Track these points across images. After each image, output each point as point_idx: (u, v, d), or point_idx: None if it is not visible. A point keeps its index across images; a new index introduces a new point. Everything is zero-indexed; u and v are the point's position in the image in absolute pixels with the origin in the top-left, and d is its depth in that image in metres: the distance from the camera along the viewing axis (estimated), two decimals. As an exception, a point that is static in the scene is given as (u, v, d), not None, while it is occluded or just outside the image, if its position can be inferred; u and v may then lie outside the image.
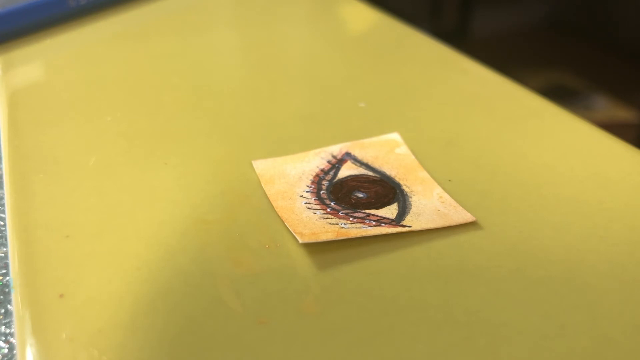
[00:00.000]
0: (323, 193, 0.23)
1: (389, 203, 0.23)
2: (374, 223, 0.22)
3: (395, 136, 0.27)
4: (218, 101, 0.31)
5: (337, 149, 0.26)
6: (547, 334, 0.18)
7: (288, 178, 0.24)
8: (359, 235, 0.21)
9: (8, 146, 0.27)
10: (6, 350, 0.19)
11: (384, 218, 0.22)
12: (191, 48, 0.37)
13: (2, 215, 0.24)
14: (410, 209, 0.23)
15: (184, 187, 0.24)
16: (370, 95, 0.31)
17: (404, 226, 0.22)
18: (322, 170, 0.25)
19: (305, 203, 0.23)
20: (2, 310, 0.20)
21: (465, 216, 0.22)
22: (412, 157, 0.26)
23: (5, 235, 0.22)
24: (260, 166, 0.25)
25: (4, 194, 0.24)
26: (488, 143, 0.27)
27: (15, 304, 0.19)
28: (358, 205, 0.23)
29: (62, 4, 0.39)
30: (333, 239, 0.21)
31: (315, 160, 0.25)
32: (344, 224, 0.22)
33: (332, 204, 0.23)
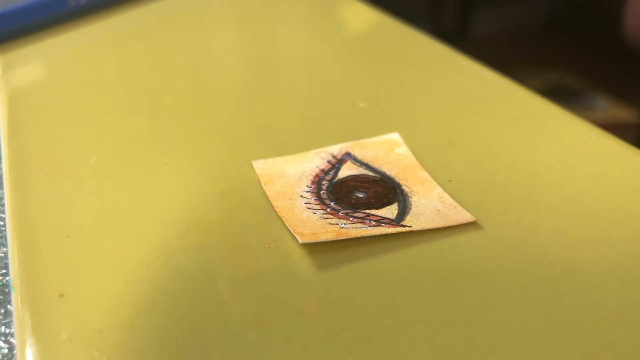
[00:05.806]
0: (323, 193, 0.23)
1: (389, 203, 0.23)
2: (374, 223, 0.22)
3: (395, 136, 0.27)
4: (218, 101, 0.31)
5: (337, 149, 0.26)
6: (547, 334, 0.18)
7: (288, 178, 0.24)
8: (359, 235, 0.21)
9: (8, 146, 0.27)
10: (6, 350, 0.19)
11: (384, 218, 0.22)
12: (191, 48, 0.37)
13: (2, 215, 0.24)
14: (410, 209, 0.23)
15: (184, 188, 0.24)
16: (370, 95, 0.31)
17: (404, 226, 0.22)
18: (322, 170, 0.25)
19: (305, 203, 0.23)
20: (2, 310, 0.20)
21: (465, 216, 0.22)
22: (412, 157, 0.26)
23: (5, 235, 0.22)
24: (260, 166, 0.25)
25: (4, 194, 0.24)
26: (488, 143, 0.27)
27: (15, 304, 0.19)
28: (358, 205, 0.23)
29: (62, 4, 0.39)
30: (333, 239, 0.21)
31: (315, 160, 0.25)
32: (344, 224, 0.22)
33: (332, 204, 0.23)
